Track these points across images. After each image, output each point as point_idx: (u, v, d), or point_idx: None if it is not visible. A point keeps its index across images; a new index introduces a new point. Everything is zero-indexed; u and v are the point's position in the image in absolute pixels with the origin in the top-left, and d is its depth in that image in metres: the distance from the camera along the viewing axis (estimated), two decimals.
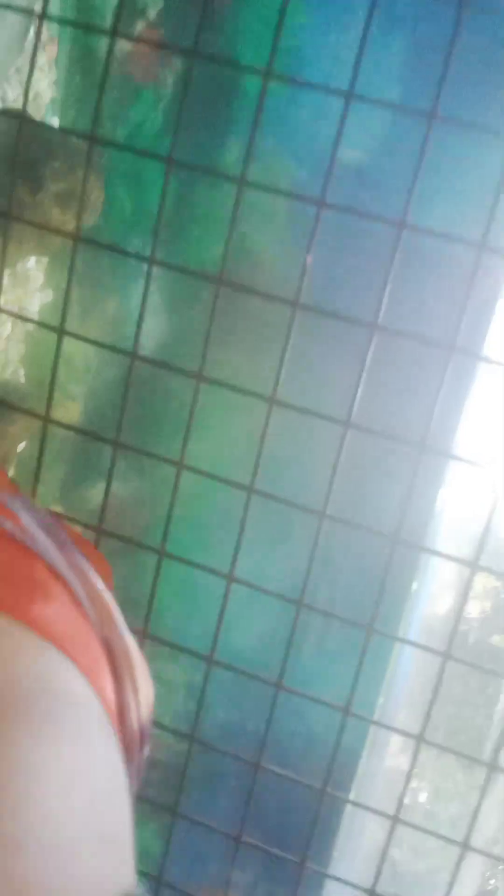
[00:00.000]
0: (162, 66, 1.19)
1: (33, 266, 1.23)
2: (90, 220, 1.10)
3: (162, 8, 1.15)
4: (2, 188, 0.99)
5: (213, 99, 1.15)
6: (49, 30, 1.14)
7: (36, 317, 1.26)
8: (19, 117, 1.04)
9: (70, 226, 1.06)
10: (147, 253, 0.89)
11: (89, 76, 1.21)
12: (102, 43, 1.21)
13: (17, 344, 1.24)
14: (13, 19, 1.01)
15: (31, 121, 1.03)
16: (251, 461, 0.85)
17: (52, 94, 1.21)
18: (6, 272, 1.16)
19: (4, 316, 1.18)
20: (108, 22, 1.20)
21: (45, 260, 1.24)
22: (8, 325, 1.20)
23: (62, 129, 1.08)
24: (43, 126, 1.09)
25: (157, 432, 1.26)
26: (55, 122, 1.20)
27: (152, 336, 1.26)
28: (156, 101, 1.20)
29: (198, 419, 0.88)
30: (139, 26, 1.17)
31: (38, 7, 1.10)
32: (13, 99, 1.08)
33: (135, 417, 1.29)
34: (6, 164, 1.00)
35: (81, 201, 1.05)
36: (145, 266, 0.90)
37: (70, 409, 1.33)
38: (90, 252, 1.28)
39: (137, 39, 1.18)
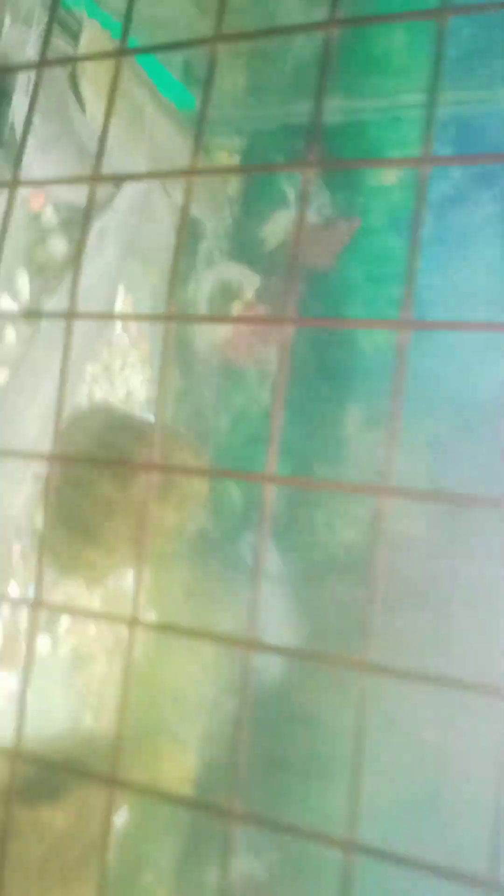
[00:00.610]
0: (264, 345, 1.06)
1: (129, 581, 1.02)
2: (194, 516, 0.90)
3: (260, 286, 1.05)
4: (86, 493, 0.81)
5: (323, 366, 1.00)
6: (141, 328, 1.04)
7: (137, 651, 1.02)
8: (107, 411, 0.89)
9: (169, 520, 0.85)
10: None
11: (186, 371, 1.09)
12: (197, 334, 1.11)
13: (113, 685, 0.99)
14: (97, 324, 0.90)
15: (123, 416, 0.88)
16: None
17: (146, 393, 1.08)
18: (96, 592, 0.95)
19: (97, 647, 0.94)
20: (203, 309, 1.12)
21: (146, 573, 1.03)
22: (101, 660, 0.96)
23: (159, 425, 0.92)
24: (136, 420, 0.94)
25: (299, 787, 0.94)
26: (150, 417, 1.06)
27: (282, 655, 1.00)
28: (259, 383, 1.06)
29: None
30: (235, 307, 1.07)
31: (120, 304, 1.01)
32: (102, 397, 0.94)
33: (263, 761, 0.98)
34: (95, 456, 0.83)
35: (183, 497, 0.86)
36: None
37: (180, 762, 1.04)
38: (197, 555, 1.09)
39: (237, 321, 1.07)
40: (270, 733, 1.04)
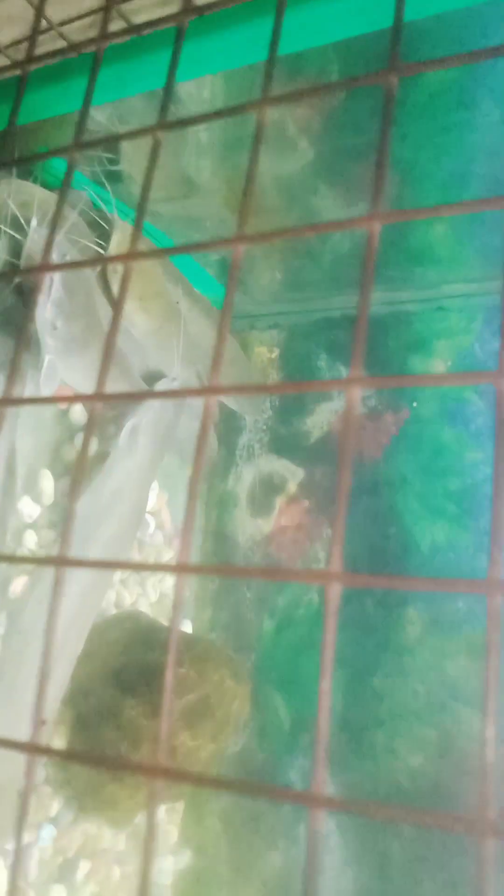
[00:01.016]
0: (311, 542, 0.99)
1: (163, 819, 0.89)
2: (230, 739, 0.79)
3: (303, 479, 0.99)
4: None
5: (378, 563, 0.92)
6: (177, 525, 0.98)
7: (169, 892, 0.88)
8: (135, 619, 0.81)
9: (204, 752, 0.74)
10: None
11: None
12: (238, 529, 1.05)
13: None
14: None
15: (154, 625, 0.80)
16: None
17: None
18: (123, 833, 0.82)
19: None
20: (244, 503, 1.06)
21: (178, 808, 0.91)
22: None
23: (185, 636, 0.83)
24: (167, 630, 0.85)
25: None
26: (188, 625, 0.98)
27: None
28: (307, 583, 0.97)
29: None
30: (278, 502, 1.00)
31: (153, 500, 0.96)
32: (132, 602, 0.87)
33: None
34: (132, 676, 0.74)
35: (222, 724, 0.76)
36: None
37: None
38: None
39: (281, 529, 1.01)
40: None
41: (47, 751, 0.26)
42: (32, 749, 0.25)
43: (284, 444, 1.02)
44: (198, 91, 0.72)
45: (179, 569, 0.25)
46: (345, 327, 1.01)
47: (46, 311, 0.60)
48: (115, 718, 0.71)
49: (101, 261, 0.37)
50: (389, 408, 0.97)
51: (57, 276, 0.60)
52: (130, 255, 0.31)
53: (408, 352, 0.98)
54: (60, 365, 0.64)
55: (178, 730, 0.72)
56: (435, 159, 0.78)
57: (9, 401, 0.29)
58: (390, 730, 0.89)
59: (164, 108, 0.33)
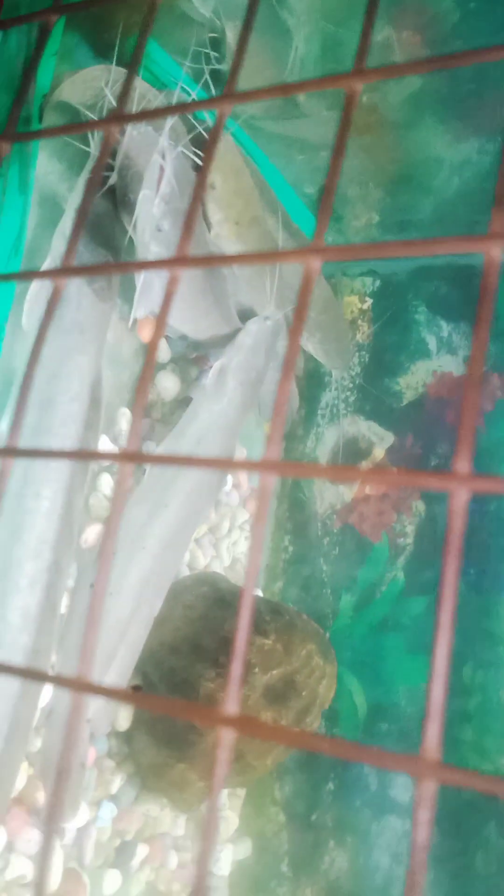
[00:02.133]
0: (398, 514, 0.89)
1: (224, 805, 0.81)
2: (314, 723, 0.70)
3: (394, 444, 0.90)
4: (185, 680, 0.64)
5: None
6: (253, 486, 0.89)
7: (226, 884, 0.81)
8: (212, 584, 0.73)
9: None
10: None
11: (300, 538, 0.93)
12: (317, 497, 0.96)
13: None
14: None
15: (232, 590, 0.72)
16: None
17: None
18: (183, 818, 0.75)
19: (178, 885, 0.73)
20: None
21: (240, 795, 0.83)
22: None
23: (270, 604, 0.75)
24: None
25: None
26: (258, 590, 0.89)
27: None
28: (390, 558, 0.89)
29: None
30: (363, 468, 0.91)
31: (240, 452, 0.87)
32: (205, 564, 0.79)
33: None
34: (201, 640, 0.66)
35: (307, 706, 0.67)
36: None
37: None
38: (306, 770, 0.87)
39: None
40: None
41: (97, 688, 0.22)
42: (79, 686, 0.21)
43: (373, 405, 0.93)
44: None
45: (266, 467, 0.21)
46: (449, 278, 0.91)
47: (154, 206, 0.51)
48: (190, 690, 0.63)
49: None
50: (495, 369, 0.87)
51: (169, 167, 0.51)
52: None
53: None
54: (158, 282, 0.55)
55: (260, 708, 0.64)
56: None
57: None
58: (479, 726, 0.80)
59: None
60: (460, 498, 0.17)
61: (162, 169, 0.52)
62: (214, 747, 0.63)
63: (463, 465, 0.17)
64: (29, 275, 0.46)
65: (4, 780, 0.54)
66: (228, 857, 0.80)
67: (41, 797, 0.57)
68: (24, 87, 0.52)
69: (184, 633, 0.66)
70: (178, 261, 0.24)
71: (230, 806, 0.82)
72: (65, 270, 0.27)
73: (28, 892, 0.58)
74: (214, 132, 0.28)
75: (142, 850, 0.70)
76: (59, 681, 0.22)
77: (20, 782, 0.57)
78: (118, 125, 0.30)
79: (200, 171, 0.27)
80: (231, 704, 0.20)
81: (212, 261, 0.26)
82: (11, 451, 0.24)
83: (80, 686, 0.21)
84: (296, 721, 0.66)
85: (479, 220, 0.88)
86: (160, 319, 0.25)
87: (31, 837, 0.58)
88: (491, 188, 0.24)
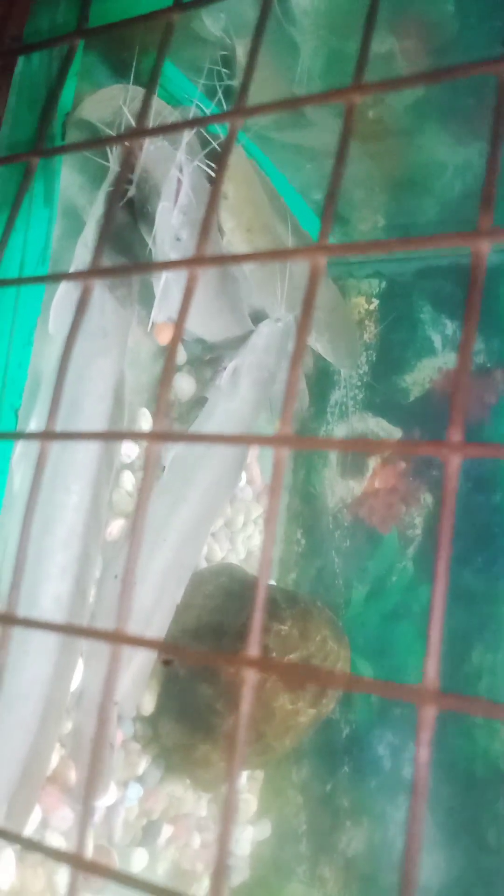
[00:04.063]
0: (407, 506, 0.93)
1: (243, 787, 0.85)
2: (329, 705, 0.74)
3: (402, 440, 0.93)
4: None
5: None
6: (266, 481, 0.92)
7: (247, 864, 0.84)
8: (230, 575, 0.76)
9: (304, 717, 0.69)
10: None
11: (312, 531, 0.97)
12: (328, 490, 0.99)
13: None
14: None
15: (249, 580, 0.75)
16: None
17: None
18: (205, 800, 0.78)
19: (202, 864, 0.77)
20: (335, 464, 1.00)
21: (259, 779, 0.86)
22: (207, 880, 0.78)
23: (286, 592, 0.78)
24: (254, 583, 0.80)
25: None
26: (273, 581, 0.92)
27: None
28: (400, 549, 0.92)
29: None
30: (372, 464, 0.94)
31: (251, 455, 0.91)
32: (221, 557, 0.82)
33: None
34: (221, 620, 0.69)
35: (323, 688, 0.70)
36: None
37: None
38: (323, 754, 0.91)
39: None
40: None
41: (133, 639, 0.24)
42: (116, 638, 0.24)
43: (381, 401, 0.96)
44: None
45: (281, 441, 0.23)
46: (452, 278, 0.94)
47: (173, 217, 0.55)
48: (211, 676, 0.67)
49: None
50: (500, 364, 0.90)
51: (186, 180, 0.55)
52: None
53: None
54: (175, 288, 0.59)
55: (276, 691, 0.67)
56: None
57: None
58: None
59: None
60: (453, 463, 0.20)
61: (179, 182, 0.55)
62: (235, 728, 0.67)
63: (456, 433, 0.20)
64: (60, 277, 0.50)
65: (40, 760, 0.57)
66: (249, 837, 0.83)
67: (73, 776, 0.61)
68: (50, 105, 0.55)
69: (205, 621, 0.70)
70: (196, 260, 0.27)
71: (249, 789, 0.85)
72: (93, 272, 0.30)
73: (63, 867, 0.61)
74: (227, 145, 0.31)
75: (167, 830, 0.73)
76: (97, 633, 0.25)
77: (53, 762, 0.60)
78: (137, 140, 0.33)
79: (214, 183, 0.30)
80: (253, 648, 0.23)
81: (225, 259, 0.30)
82: (51, 435, 0.28)
83: (117, 638, 0.24)
84: (312, 703, 0.69)
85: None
86: (180, 319, 0.28)
87: (64, 815, 0.61)
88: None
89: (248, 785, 0.85)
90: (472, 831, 0.81)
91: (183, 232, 0.56)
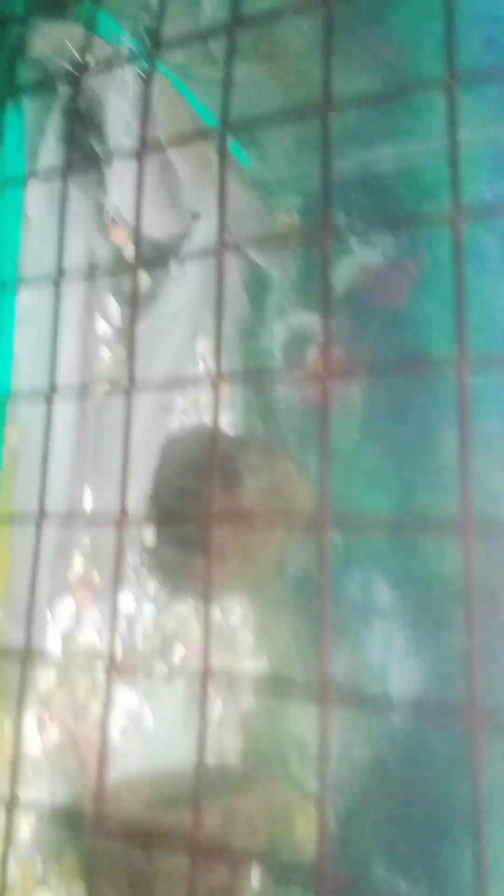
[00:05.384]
0: (346, 385, 1.08)
1: (238, 622, 0.98)
2: (297, 554, 0.88)
3: (332, 330, 1.08)
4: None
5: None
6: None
7: (250, 691, 0.97)
8: (202, 430, 0.91)
9: (276, 538, 0.84)
10: None
11: (269, 417, 1.11)
12: (277, 379, 1.14)
13: (231, 730, 0.93)
14: None
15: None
16: None
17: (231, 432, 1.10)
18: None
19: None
20: (278, 356, 1.14)
21: (252, 616, 1.00)
22: (218, 704, 0.91)
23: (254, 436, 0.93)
24: (230, 436, 0.95)
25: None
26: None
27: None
28: (345, 420, 1.07)
29: None
30: (309, 352, 1.09)
31: (201, 347, 1.05)
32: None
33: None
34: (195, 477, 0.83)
35: (288, 509, 0.85)
36: None
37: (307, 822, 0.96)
38: (304, 598, 1.03)
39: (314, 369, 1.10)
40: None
41: None
42: None
43: (311, 298, 1.11)
44: None
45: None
46: (362, 188, 1.10)
47: (121, 107, 0.69)
48: (196, 500, 0.81)
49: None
50: (408, 254, 1.06)
51: (130, 78, 0.69)
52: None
53: (421, 202, 1.07)
54: (128, 177, 0.73)
55: (255, 508, 0.81)
56: None
57: None
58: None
59: None
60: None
61: (126, 83, 0.69)
62: (220, 542, 0.81)
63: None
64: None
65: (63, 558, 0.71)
66: (250, 669, 0.97)
67: (97, 577, 0.74)
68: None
69: (186, 463, 0.84)
70: (143, 150, 0.41)
71: (243, 625, 0.99)
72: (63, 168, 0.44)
73: (99, 659, 0.75)
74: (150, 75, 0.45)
75: (179, 650, 0.87)
76: None
77: (78, 567, 0.74)
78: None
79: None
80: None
81: (174, 140, 0.43)
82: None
83: None
84: (285, 527, 0.84)
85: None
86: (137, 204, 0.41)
87: (93, 615, 0.75)
88: None
89: (242, 622, 0.98)
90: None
91: (133, 121, 0.70)
